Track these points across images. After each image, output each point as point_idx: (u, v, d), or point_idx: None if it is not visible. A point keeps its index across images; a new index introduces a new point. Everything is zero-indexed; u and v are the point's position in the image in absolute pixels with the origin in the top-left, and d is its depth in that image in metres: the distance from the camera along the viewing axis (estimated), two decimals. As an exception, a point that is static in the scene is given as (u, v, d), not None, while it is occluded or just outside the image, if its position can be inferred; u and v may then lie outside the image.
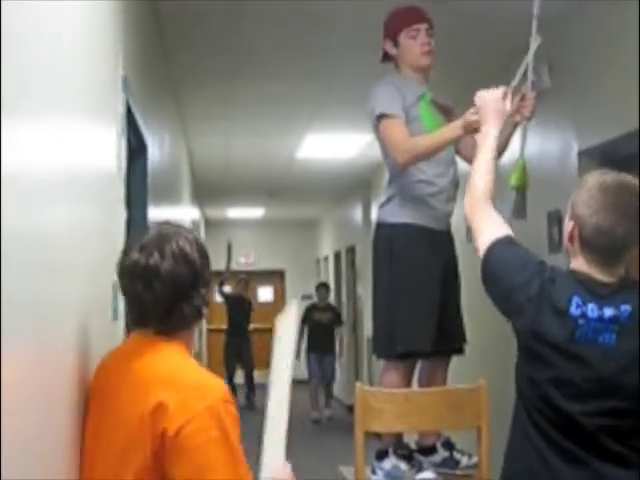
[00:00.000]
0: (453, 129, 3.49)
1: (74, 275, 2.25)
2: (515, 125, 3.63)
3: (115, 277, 2.43)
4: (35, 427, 1.76)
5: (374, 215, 11.55)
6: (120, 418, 2.18)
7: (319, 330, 12.72)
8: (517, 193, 3.65)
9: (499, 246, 2.64)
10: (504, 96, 3.08)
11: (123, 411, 2.19)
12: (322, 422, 12.56)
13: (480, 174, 2.84)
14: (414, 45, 3.81)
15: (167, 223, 2.43)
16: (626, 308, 2.43)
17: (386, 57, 3.93)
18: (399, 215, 3.79)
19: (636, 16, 4.10)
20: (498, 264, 2.63)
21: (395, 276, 3.73)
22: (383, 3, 4.03)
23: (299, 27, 5.41)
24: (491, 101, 3.07)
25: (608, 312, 2.42)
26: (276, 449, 2.52)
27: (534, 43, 3.57)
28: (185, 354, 2.33)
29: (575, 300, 2.44)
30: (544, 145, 5.35)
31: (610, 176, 2.52)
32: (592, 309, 2.43)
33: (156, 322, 2.30)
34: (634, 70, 4.15)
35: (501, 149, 3.74)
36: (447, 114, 3.87)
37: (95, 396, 2.31)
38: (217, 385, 2.23)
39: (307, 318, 12.75)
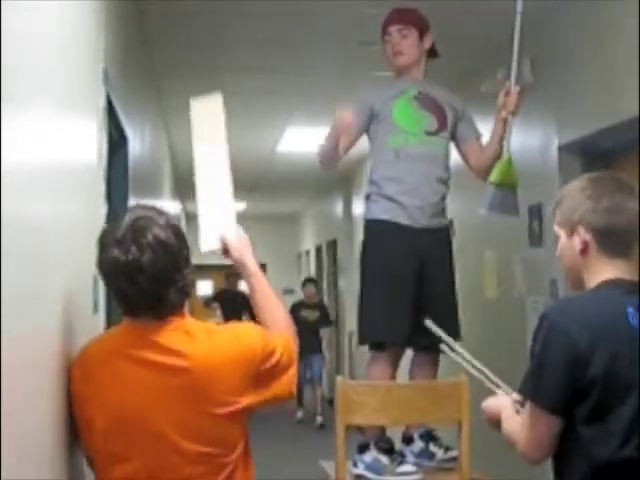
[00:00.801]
0: None
1: (56, 268, 2.24)
2: (504, 121, 3.68)
3: (96, 270, 2.42)
4: (14, 419, 1.75)
5: (355, 209, 11.61)
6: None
7: (305, 330, 11.07)
8: (496, 188, 3.66)
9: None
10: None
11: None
12: (306, 422, 11.92)
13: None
14: (388, 48, 3.94)
15: (138, 207, 2.43)
16: None
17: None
18: (372, 211, 3.90)
19: (618, 12, 4.12)
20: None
21: (365, 270, 3.87)
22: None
23: (281, 21, 5.40)
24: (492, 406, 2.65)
25: None
26: (228, 217, 2.76)
27: (517, 39, 3.59)
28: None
29: (630, 311, 2.23)
30: (525, 139, 5.36)
31: (592, 174, 2.44)
32: None
33: (146, 312, 2.32)
34: (616, 65, 4.17)
35: (496, 152, 3.78)
36: (436, 108, 3.91)
37: (102, 387, 2.32)
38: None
39: (293, 316, 11.96)
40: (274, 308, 2.70)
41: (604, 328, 2.21)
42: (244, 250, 2.73)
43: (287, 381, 2.49)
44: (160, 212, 2.41)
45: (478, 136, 4.00)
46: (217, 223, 2.80)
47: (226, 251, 2.72)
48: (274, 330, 2.57)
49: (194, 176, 2.84)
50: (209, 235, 2.76)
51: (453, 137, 3.99)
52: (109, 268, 2.30)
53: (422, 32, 3.93)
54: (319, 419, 11.66)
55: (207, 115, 2.86)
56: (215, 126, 2.83)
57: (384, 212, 3.83)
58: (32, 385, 1.95)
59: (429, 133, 3.86)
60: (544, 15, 4.81)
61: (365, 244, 3.91)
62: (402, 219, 3.79)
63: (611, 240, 2.31)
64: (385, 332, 3.77)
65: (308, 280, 12.81)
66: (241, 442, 2.42)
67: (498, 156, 3.76)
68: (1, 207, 1.60)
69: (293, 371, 2.52)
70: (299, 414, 12.07)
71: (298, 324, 10.17)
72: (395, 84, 3.96)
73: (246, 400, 2.37)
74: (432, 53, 4.03)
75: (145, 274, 2.26)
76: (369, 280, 3.86)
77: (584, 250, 2.32)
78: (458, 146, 4.03)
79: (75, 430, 2.35)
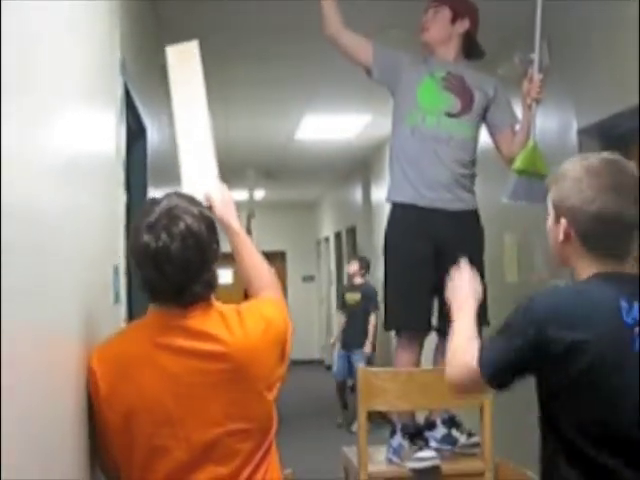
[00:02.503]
0: None
1: (75, 259, 2.25)
2: (529, 107, 3.67)
3: (116, 261, 2.43)
4: (36, 411, 1.76)
5: (374, 195, 11.59)
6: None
7: (349, 316, 10.15)
8: (520, 176, 3.62)
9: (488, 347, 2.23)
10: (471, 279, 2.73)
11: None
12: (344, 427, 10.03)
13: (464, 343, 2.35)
14: (431, 20, 3.96)
15: (174, 195, 2.41)
16: None
17: None
18: (390, 193, 3.95)
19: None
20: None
21: (385, 255, 3.93)
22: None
23: (297, 8, 5.38)
24: (462, 293, 2.70)
25: None
26: (209, 170, 2.80)
27: (539, 25, 3.57)
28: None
29: (623, 305, 2.07)
30: (544, 123, 5.32)
31: (594, 158, 2.19)
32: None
33: (172, 300, 2.34)
34: (633, 47, 4.14)
35: (526, 138, 3.76)
36: (464, 91, 3.91)
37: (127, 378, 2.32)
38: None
39: (340, 303, 10.59)
40: (259, 266, 2.71)
41: (589, 324, 2.05)
42: (228, 209, 2.73)
43: (290, 343, 2.52)
44: (195, 202, 2.41)
45: (513, 123, 3.97)
46: (199, 176, 2.79)
47: (210, 208, 2.66)
48: (262, 289, 2.62)
49: (174, 127, 2.83)
50: (192, 188, 2.70)
51: (485, 122, 3.98)
52: (139, 254, 2.31)
53: (456, 14, 3.93)
54: (354, 427, 9.81)
55: (184, 62, 2.84)
56: (193, 73, 2.81)
57: (399, 194, 3.87)
58: (52, 380, 1.96)
59: (449, 115, 3.84)
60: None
61: (386, 228, 3.94)
62: (416, 200, 3.80)
63: (595, 246, 2.16)
64: (401, 318, 3.82)
65: (353, 258, 10.84)
66: (276, 415, 2.46)
67: (525, 141, 3.74)
68: (13, 197, 1.59)
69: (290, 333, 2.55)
70: (339, 419, 10.38)
71: (344, 310, 9.49)
72: (427, 61, 3.96)
73: (280, 371, 2.43)
74: (475, 52, 4.05)
75: (172, 263, 2.26)
76: (387, 265, 3.90)
77: (566, 240, 2.18)
78: (492, 133, 4.01)
79: (95, 432, 2.34)
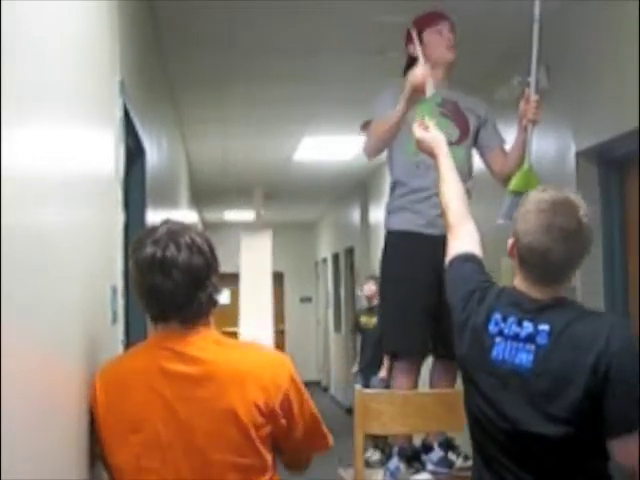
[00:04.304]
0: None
1: (73, 278, 2.25)
2: (525, 129, 3.65)
3: (114, 280, 2.44)
4: (35, 429, 1.76)
5: (372, 216, 11.60)
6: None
7: (365, 340, 9.23)
8: (515, 197, 3.64)
9: (453, 264, 2.73)
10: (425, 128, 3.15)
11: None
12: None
13: (450, 197, 2.94)
14: (440, 40, 3.85)
15: (171, 221, 2.46)
16: (544, 328, 2.32)
17: (408, 67, 3.89)
18: (391, 222, 3.92)
19: (635, 16, 4.10)
20: (448, 284, 2.71)
21: (384, 279, 3.96)
22: (381, 5, 4.03)
23: (296, 29, 5.41)
24: (427, 139, 3.16)
25: (526, 330, 2.35)
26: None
27: (536, 46, 3.58)
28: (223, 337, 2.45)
29: (495, 317, 2.42)
30: (542, 146, 5.34)
31: (548, 194, 2.41)
32: (510, 325, 2.38)
33: (176, 312, 2.35)
34: (632, 70, 4.16)
35: (520, 158, 3.73)
36: (460, 116, 3.88)
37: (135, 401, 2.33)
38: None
39: (355, 327, 9.76)
40: None
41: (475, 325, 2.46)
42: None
43: (310, 409, 2.51)
44: (194, 226, 2.54)
45: (502, 143, 3.96)
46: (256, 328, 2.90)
47: None
48: None
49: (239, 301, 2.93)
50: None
51: (476, 144, 3.96)
52: (145, 264, 2.34)
53: None
54: (369, 453, 8.44)
55: (256, 247, 2.98)
56: (262, 260, 2.96)
57: (404, 223, 3.83)
58: (50, 398, 1.96)
59: (451, 143, 3.82)
60: (559, 21, 4.80)
61: (384, 254, 3.93)
62: (423, 228, 3.78)
63: (526, 267, 2.45)
64: (403, 343, 3.80)
65: (369, 277, 9.60)
66: (272, 452, 2.43)
67: (519, 164, 3.74)
68: (12, 217, 1.60)
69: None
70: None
71: (360, 334, 8.72)
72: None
73: (273, 422, 2.37)
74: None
75: (180, 270, 2.32)
76: (387, 290, 3.91)
77: (511, 254, 2.50)
78: (482, 154, 3.98)
79: (95, 448, 2.35)
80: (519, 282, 2.47)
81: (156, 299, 2.37)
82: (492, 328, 2.41)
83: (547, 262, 2.37)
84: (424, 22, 3.90)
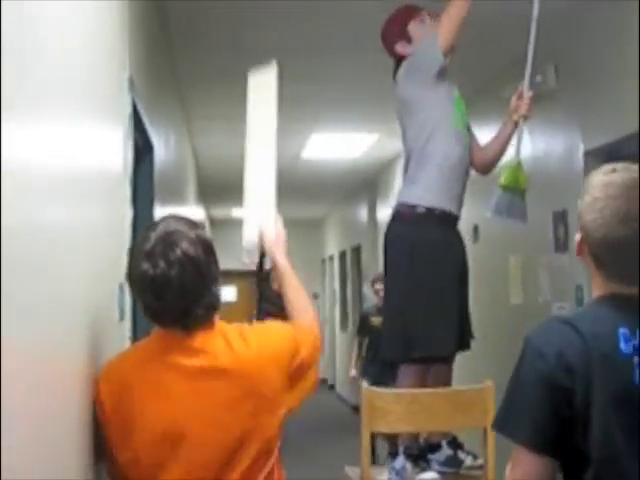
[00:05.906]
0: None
1: (80, 275, 2.25)
2: (515, 124, 3.65)
3: (122, 277, 2.43)
4: (38, 428, 1.76)
5: (379, 214, 11.59)
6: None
7: (376, 341, 8.04)
8: (503, 192, 3.64)
9: None
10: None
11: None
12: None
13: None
14: (430, 27, 3.74)
15: (170, 219, 2.39)
16: None
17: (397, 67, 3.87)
18: (422, 198, 3.64)
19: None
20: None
21: (416, 275, 3.63)
22: (384, 3, 4.02)
23: (303, 27, 5.41)
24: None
25: None
26: (268, 209, 2.88)
27: (532, 44, 3.59)
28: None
29: (622, 333, 1.92)
30: (550, 145, 5.34)
31: (618, 175, 2.03)
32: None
33: (174, 324, 2.32)
34: (640, 70, 4.15)
35: (501, 150, 3.74)
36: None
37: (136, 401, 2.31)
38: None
39: (363, 328, 8.95)
40: (301, 305, 2.72)
41: (588, 355, 1.89)
42: (278, 246, 2.82)
43: (309, 378, 2.51)
44: (192, 225, 2.39)
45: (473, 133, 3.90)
46: (258, 214, 2.91)
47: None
48: (301, 326, 2.59)
49: (245, 149, 2.94)
50: (251, 228, 2.89)
51: None
52: (137, 281, 2.31)
53: None
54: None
55: (261, 88, 2.99)
56: (267, 101, 2.97)
57: (432, 199, 3.67)
58: (57, 395, 1.96)
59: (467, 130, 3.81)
60: (568, 21, 4.80)
61: (410, 242, 3.71)
62: (451, 205, 3.69)
63: (604, 267, 2.03)
64: (437, 347, 3.68)
65: (379, 277, 8.45)
66: (278, 440, 2.44)
67: (498, 157, 3.73)
68: (16, 213, 1.59)
69: (314, 371, 2.54)
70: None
71: (370, 336, 8.05)
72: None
73: (286, 398, 2.40)
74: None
75: (172, 289, 2.25)
76: (419, 288, 3.67)
77: (580, 253, 2.09)
78: None
79: (100, 446, 2.35)
80: (602, 285, 2.04)
81: (151, 316, 2.35)
82: (625, 348, 1.91)
83: (630, 251, 1.98)
84: (405, 17, 3.84)
